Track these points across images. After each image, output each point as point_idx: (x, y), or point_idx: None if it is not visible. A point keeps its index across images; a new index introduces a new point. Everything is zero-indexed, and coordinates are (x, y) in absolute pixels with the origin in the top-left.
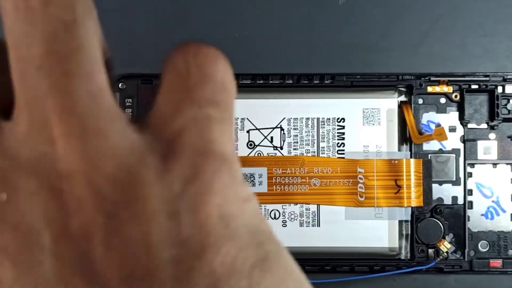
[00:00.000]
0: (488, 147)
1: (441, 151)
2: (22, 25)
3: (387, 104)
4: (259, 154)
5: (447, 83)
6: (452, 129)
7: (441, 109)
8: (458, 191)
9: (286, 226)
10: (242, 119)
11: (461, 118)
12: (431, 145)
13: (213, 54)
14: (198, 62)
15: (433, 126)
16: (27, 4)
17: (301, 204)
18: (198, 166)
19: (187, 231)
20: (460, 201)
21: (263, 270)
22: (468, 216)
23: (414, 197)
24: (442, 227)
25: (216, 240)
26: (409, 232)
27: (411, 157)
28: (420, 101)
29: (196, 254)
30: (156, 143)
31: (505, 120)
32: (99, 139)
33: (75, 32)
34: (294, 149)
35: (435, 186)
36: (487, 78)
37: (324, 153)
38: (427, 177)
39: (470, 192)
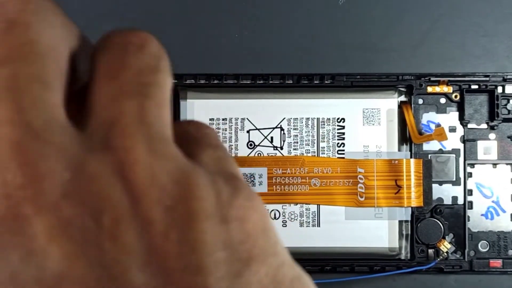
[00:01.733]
0: (488, 147)
1: (441, 151)
2: (120, 57)
3: (387, 104)
4: (259, 154)
5: (447, 83)
6: (452, 129)
7: (441, 109)
8: (458, 191)
9: (286, 226)
10: (242, 119)
11: (461, 118)
12: (431, 145)
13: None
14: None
15: (433, 126)
16: (124, 46)
17: (301, 204)
18: (221, 161)
19: (237, 237)
20: (460, 201)
21: (302, 283)
22: (468, 216)
23: (414, 197)
24: (442, 227)
25: (261, 252)
26: (409, 232)
27: (411, 157)
28: (420, 101)
29: (245, 262)
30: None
31: (505, 120)
32: (165, 143)
33: (157, 75)
34: (294, 149)
35: (435, 186)
36: (487, 78)
37: (324, 153)
38: (427, 177)
39: (470, 192)
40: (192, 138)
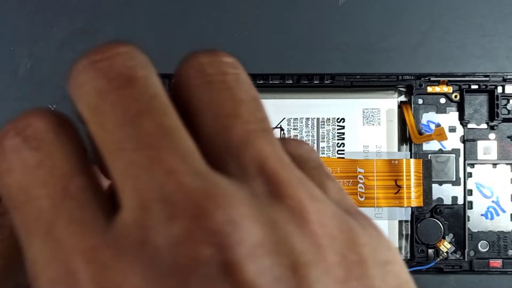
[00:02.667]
0: (488, 147)
1: (441, 151)
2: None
3: (387, 104)
4: None
5: (447, 83)
6: (452, 129)
7: (441, 109)
8: (458, 191)
9: None
10: None
11: (461, 118)
12: (431, 145)
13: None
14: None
15: (433, 126)
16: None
17: None
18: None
19: (392, 283)
20: (460, 201)
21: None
22: (468, 216)
23: (414, 197)
24: (442, 227)
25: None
26: (409, 232)
27: (411, 157)
28: (420, 101)
29: (313, 266)
30: (265, 196)
31: (505, 120)
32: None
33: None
34: None
35: (435, 186)
36: (487, 78)
37: (324, 153)
38: (427, 177)
39: (470, 192)
40: (307, 166)
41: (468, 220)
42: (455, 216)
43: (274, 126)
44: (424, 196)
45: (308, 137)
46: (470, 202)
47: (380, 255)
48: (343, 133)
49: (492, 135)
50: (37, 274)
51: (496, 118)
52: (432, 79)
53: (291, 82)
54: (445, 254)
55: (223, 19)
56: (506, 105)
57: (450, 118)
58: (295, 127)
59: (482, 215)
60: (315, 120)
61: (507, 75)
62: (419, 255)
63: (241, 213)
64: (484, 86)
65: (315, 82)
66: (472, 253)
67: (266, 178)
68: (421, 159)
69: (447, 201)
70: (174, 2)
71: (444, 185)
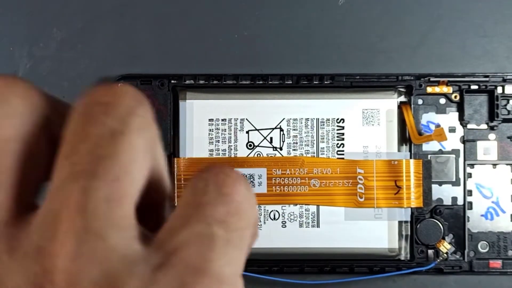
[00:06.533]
0: (487, 148)
1: (440, 151)
2: (80, 125)
3: (386, 105)
4: (258, 155)
5: (447, 84)
6: (452, 130)
7: (440, 110)
8: (458, 191)
9: (285, 227)
10: (242, 119)
11: (461, 118)
12: (430, 146)
13: (235, 176)
14: (217, 181)
15: (432, 127)
16: (89, 110)
17: (301, 205)
18: (187, 282)
19: None
20: (460, 201)
21: None
22: (468, 217)
23: (413, 198)
24: (441, 227)
25: None
26: (409, 233)
27: (410, 158)
28: (420, 101)
29: None
30: (155, 255)
31: (505, 120)
32: (97, 241)
33: (118, 141)
34: (294, 149)
35: (434, 187)
36: (487, 79)
37: (324, 153)
38: (427, 178)
39: (470, 192)
40: (196, 203)
41: (468, 221)
42: (455, 217)
43: (274, 127)
44: (424, 197)
45: (308, 137)
46: (470, 203)
47: None
48: (343, 134)
49: (492, 136)
50: None
51: (496, 119)
52: (432, 79)
53: (291, 82)
54: (445, 254)
55: (223, 19)
56: (506, 105)
57: (450, 118)
58: (295, 128)
59: (482, 215)
60: (315, 121)
61: (507, 75)
62: (419, 256)
63: None
64: (484, 87)
65: (314, 82)
66: (472, 253)
67: None
68: (421, 160)
69: (447, 201)
70: (174, 2)
71: (444, 186)
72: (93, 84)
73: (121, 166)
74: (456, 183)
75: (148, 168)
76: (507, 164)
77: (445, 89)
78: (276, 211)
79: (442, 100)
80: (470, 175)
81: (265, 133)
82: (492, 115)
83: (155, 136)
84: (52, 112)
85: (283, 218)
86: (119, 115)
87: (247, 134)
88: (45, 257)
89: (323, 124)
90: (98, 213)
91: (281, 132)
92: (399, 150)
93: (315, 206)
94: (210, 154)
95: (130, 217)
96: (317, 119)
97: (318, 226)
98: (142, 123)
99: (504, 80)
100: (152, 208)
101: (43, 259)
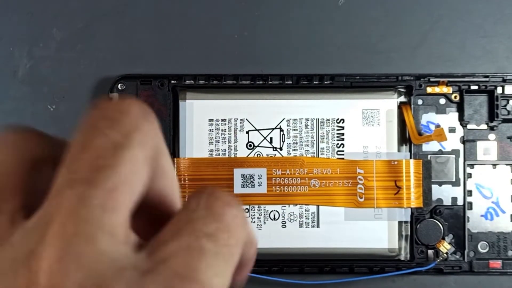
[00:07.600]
0: (487, 148)
1: (440, 152)
2: (84, 137)
3: (386, 105)
4: (258, 155)
5: (447, 84)
6: (452, 130)
7: (440, 110)
8: (458, 192)
9: (285, 227)
10: (242, 119)
11: (461, 118)
12: (430, 146)
13: (228, 198)
14: (209, 200)
15: (432, 127)
16: (94, 123)
17: (301, 205)
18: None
19: None
20: (460, 202)
21: None
22: (468, 217)
23: (413, 198)
24: (441, 228)
25: None
26: (409, 233)
27: (410, 158)
28: (420, 101)
29: None
30: (144, 261)
31: (505, 120)
32: (86, 245)
33: (119, 153)
34: (294, 150)
35: (434, 187)
36: (487, 79)
37: (324, 154)
38: (427, 178)
39: (470, 193)
40: (187, 218)
41: (468, 221)
42: (454, 217)
43: (274, 127)
44: (424, 197)
45: (308, 137)
46: (470, 203)
47: None
48: (343, 134)
49: (492, 136)
50: None
51: (496, 119)
52: (431, 79)
53: (291, 82)
54: (445, 255)
55: (223, 19)
56: (506, 105)
57: (450, 118)
58: (295, 128)
59: (482, 216)
60: (315, 121)
61: (507, 75)
62: (418, 256)
63: None
64: (484, 87)
65: (314, 82)
66: (472, 254)
67: None
68: (421, 160)
69: (447, 202)
70: (174, 2)
71: (444, 186)
72: (101, 98)
73: (120, 176)
74: (456, 183)
75: (147, 181)
76: (507, 164)
77: (445, 89)
78: (276, 211)
79: (442, 100)
80: (470, 175)
81: (265, 133)
82: (492, 115)
83: (161, 151)
84: (48, 151)
85: (283, 218)
86: (123, 130)
87: (247, 134)
88: (33, 259)
89: (323, 124)
90: (90, 219)
91: (281, 132)
92: (399, 150)
93: (315, 206)
94: (210, 154)
95: (123, 225)
96: (317, 119)
97: (318, 226)
98: (145, 138)
99: (504, 80)
100: (163, 221)
101: (30, 261)
